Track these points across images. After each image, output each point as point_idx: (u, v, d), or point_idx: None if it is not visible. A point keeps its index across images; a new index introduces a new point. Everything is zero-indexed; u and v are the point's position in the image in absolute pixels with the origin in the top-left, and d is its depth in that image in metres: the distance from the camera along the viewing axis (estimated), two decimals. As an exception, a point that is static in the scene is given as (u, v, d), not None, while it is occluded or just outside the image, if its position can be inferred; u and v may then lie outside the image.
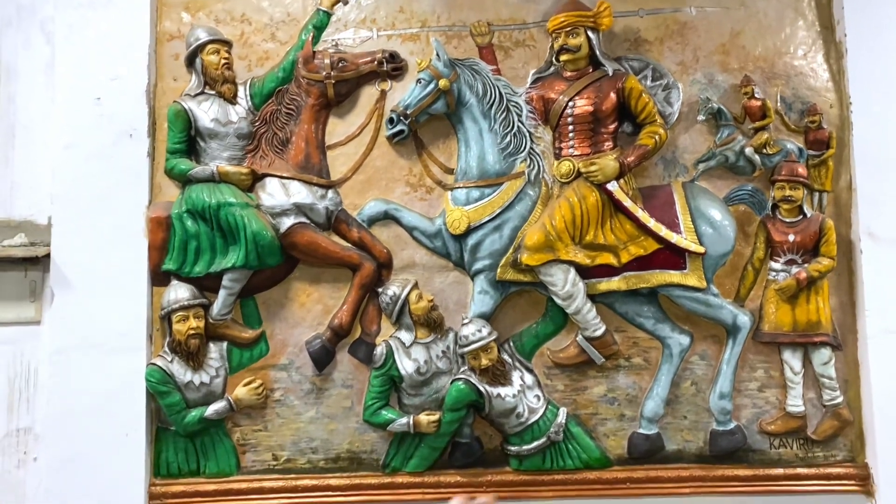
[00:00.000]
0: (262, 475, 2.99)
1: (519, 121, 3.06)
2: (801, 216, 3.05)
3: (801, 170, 3.04)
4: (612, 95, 3.00)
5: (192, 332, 2.89)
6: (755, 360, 3.06)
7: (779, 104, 3.12)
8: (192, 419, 2.91)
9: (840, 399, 3.02)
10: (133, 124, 3.02)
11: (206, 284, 2.98)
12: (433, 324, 2.98)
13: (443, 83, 2.99)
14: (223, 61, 3.03)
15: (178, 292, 2.92)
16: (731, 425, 3.00)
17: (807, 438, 3.03)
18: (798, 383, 3.02)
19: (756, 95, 3.08)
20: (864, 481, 2.99)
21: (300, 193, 3.01)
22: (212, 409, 2.93)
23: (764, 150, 3.07)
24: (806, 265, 3.01)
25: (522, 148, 3.06)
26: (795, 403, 3.02)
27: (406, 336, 2.99)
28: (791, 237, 3.03)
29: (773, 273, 3.05)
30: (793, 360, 3.02)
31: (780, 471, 3.00)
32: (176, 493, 2.95)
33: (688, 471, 3.01)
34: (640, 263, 2.98)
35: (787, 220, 3.05)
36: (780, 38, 3.17)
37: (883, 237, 3.04)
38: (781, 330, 3.02)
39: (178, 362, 2.91)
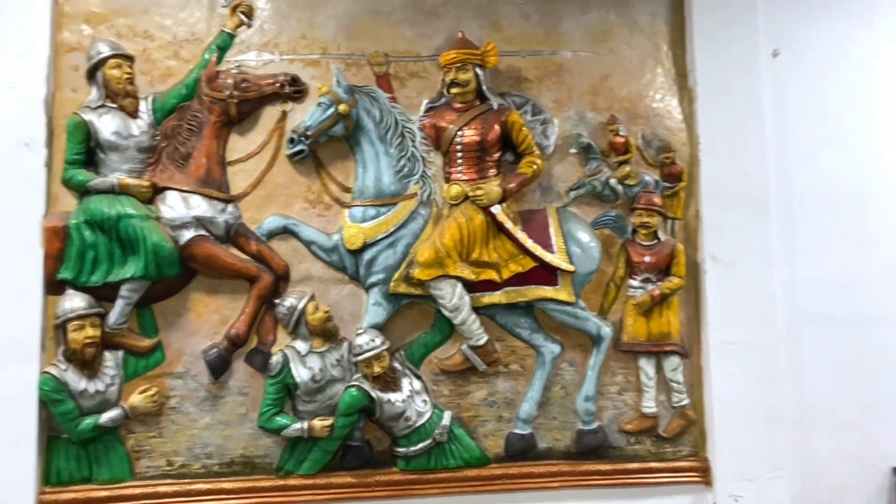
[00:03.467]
0: (157, 480, 3.04)
1: (413, 146, 3.29)
2: (656, 240, 3.42)
3: (657, 200, 3.42)
4: (497, 127, 3.28)
5: (88, 340, 2.92)
6: (616, 366, 3.39)
7: (639, 141, 3.48)
8: (85, 427, 2.94)
9: (686, 401, 3.41)
10: (30, 134, 3.01)
11: (103, 294, 3.01)
12: (328, 334, 3.15)
13: (342, 108, 3.18)
14: (126, 76, 3.08)
15: (74, 301, 2.94)
16: (595, 425, 3.33)
17: (658, 436, 3.38)
18: (651, 387, 3.39)
19: (620, 133, 3.43)
20: (705, 473, 3.37)
21: (200, 207, 3.10)
22: (106, 417, 2.97)
23: (626, 182, 3.43)
24: (659, 283, 3.37)
25: (416, 171, 3.29)
26: (649, 405, 3.38)
27: (302, 346, 3.14)
28: (647, 258, 3.40)
29: (632, 290, 3.41)
30: (647, 366, 3.39)
31: (635, 465, 3.34)
32: (67, 501, 2.95)
33: (556, 466, 3.29)
34: (518, 279, 3.26)
35: (645, 243, 3.43)
36: (642, 83, 3.54)
37: (724, 260, 3.43)
38: (638, 340, 3.38)
39: (72, 370, 2.93)
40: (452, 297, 3.17)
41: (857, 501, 3.49)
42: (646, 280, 3.41)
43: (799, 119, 3.67)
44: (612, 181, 3.43)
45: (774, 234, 3.52)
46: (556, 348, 3.34)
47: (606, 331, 3.35)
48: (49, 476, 2.97)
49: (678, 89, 3.58)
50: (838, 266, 3.61)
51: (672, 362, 3.41)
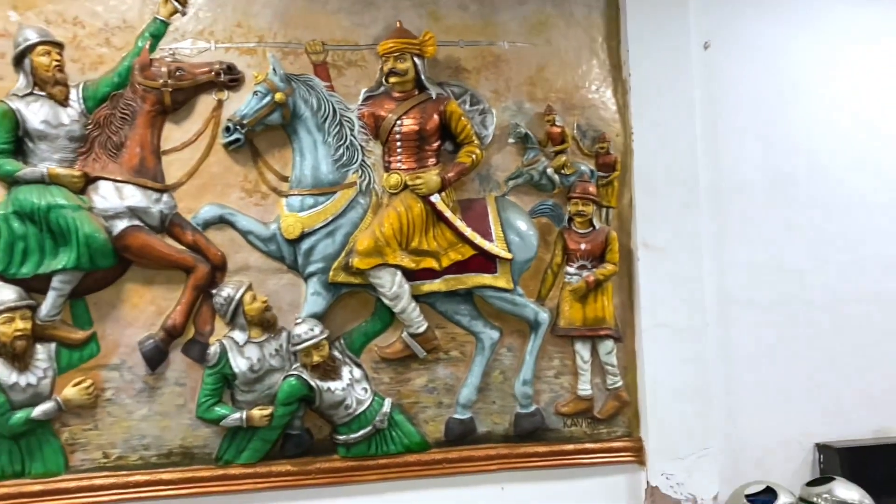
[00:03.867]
0: (93, 473, 3.02)
1: (351, 135, 3.30)
2: (591, 228, 3.51)
3: (592, 189, 3.51)
4: (436, 117, 3.32)
5: (18, 333, 2.87)
6: (552, 350, 3.47)
7: (575, 131, 3.55)
8: (17, 421, 2.90)
9: (620, 383, 3.51)
10: (-46, 122, 2.93)
11: (34, 286, 2.96)
12: (266, 323, 3.16)
13: (279, 96, 3.17)
14: (54, 63, 3.01)
15: (4, 293, 2.89)
16: (532, 408, 3.41)
17: (593, 418, 3.48)
18: (587, 370, 3.48)
19: (557, 123, 3.50)
20: (639, 453, 3.49)
21: (134, 197, 3.07)
22: (39, 410, 2.92)
23: (562, 171, 3.51)
24: (594, 270, 3.47)
25: (354, 160, 3.31)
26: (584, 388, 3.48)
27: (240, 335, 3.13)
28: (583, 246, 3.49)
29: (568, 276, 3.49)
30: (583, 350, 3.48)
31: (571, 446, 3.44)
32: (-1, 496, 2.91)
33: (495, 450, 3.37)
34: (458, 267, 3.32)
35: (580, 231, 3.51)
36: (578, 74, 3.61)
37: (655, 246, 3.53)
38: (574, 325, 3.47)
39: (2, 364, 2.88)
40: (392, 285, 3.21)
41: (782, 476, 3.62)
42: (581, 267, 3.50)
43: (728, 110, 3.80)
44: (549, 170, 3.50)
45: (704, 221, 3.63)
46: (494, 334, 3.40)
47: (544, 316, 3.43)
48: (-21, 471, 2.91)
49: (613, 80, 3.66)
50: (765, 251, 3.76)
51: (606, 346, 3.51)
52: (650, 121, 3.62)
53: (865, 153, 3.93)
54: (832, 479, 3.44)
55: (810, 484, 3.48)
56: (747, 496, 3.36)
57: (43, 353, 2.97)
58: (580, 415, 3.49)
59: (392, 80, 3.31)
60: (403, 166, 3.32)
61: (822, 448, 3.71)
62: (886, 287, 3.90)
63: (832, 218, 3.87)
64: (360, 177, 3.30)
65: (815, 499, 3.39)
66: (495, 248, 3.32)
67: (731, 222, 3.75)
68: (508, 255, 3.33)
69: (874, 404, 3.82)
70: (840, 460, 3.61)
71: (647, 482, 3.47)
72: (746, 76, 3.84)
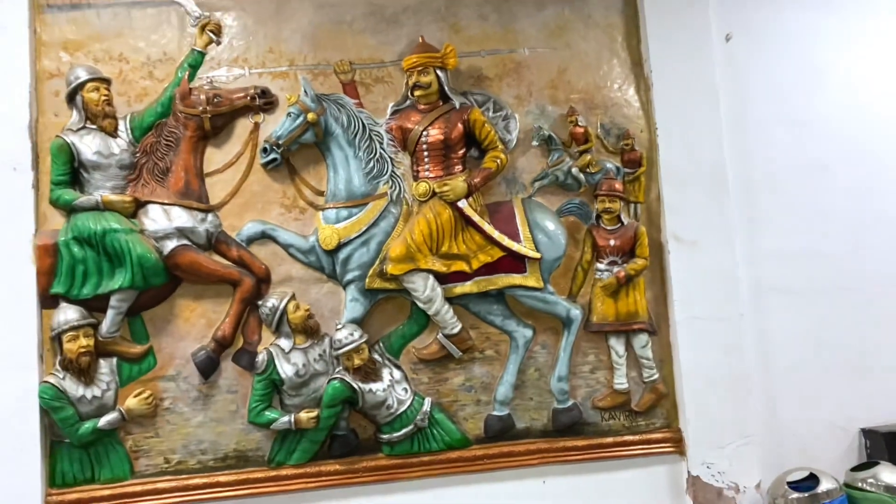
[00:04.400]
0: (156, 478, 3.22)
1: (381, 148, 3.45)
2: (619, 224, 3.58)
3: (618, 185, 3.58)
4: (460, 125, 3.44)
5: (82, 350, 3.09)
6: (587, 346, 3.54)
7: (599, 130, 3.63)
8: (85, 431, 3.12)
9: (657, 376, 3.56)
10: (17, 158, 3.17)
11: (94, 305, 3.18)
12: (310, 331, 3.32)
13: (311, 116, 3.34)
14: (103, 98, 3.25)
15: (68, 314, 3.12)
16: (569, 403, 3.49)
17: (631, 411, 3.53)
18: (622, 364, 3.54)
19: (580, 123, 3.58)
20: (678, 443, 3.52)
21: (181, 218, 3.27)
22: (104, 420, 3.14)
23: (587, 170, 3.58)
24: (625, 265, 3.52)
25: (385, 172, 3.46)
26: (621, 382, 3.53)
27: (285, 343, 3.31)
28: (612, 242, 3.55)
29: (599, 273, 3.56)
30: (617, 345, 3.54)
31: (610, 439, 3.50)
32: (72, 501, 3.12)
33: (535, 444, 3.45)
34: (488, 269, 3.42)
35: (609, 227, 3.58)
36: (599, 75, 3.69)
37: (686, 239, 3.58)
38: (607, 320, 3.53)
39: (70, 379, 3.11)
40: (425, 289, 3.34)
41: (828, 462, 3.60)
42: (612, 263, 3.56)
43: (753, 100, 3.82)
44: (575, 170, 3.58)
45: (734, 212, 3.66)
46: (528, 332, 3.49)
47: (576, 313, 3.50)
48: (54, 478, 3.14)
49: (634, 78, 3.72)
50: (797, 239, 3.77)
51: (641, 340, 3.56)
52: (674, 115, 3.66)
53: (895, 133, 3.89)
54: (877, 463, 3.43)
55: (855, 469, 3.48)
56: (789, 483, 3.37)
57: (106, 367, 3.19)
58: (618, 408, 3.55)
59: (417, 93, 3.45)
60: (431, 175, 3.45)
61: (867, 433, 3.69)
62: (928, 268, 3.85)
63: (867, 202, 3.86)
64: (391, 187, 3.44)
65: (860, 484, 3.38)
66: (523, 248, 3.41)
67: (763, 212, 3.77)
68: (537, 255, 3.42)
69: (921, 387, 3.77)
70: (886, 444, 3.58)
71: (689, 472, 3.50)
72: (771, 65, 3.86)
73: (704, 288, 3.58)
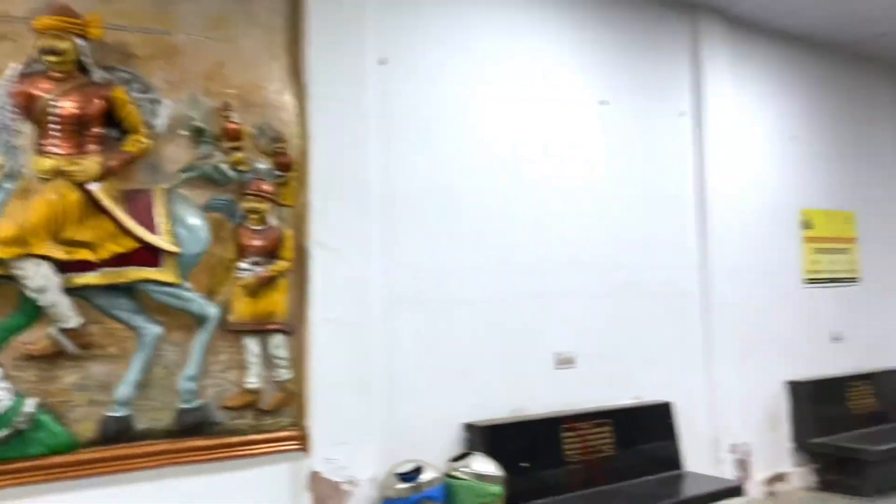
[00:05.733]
0: None
1: (-2, 113, 3.04)
2: (266, 225, 3.61)
3: (267, 186, 3.61)
4: (98, 101, 3.17)
5: None
6: (222, 345, 3.48)
7: (253, 130, 3.62)
8: None
9: (288, 376, 3.64)
10: None
11: None
12: None
13: None
14: None
15: None
16: (196, 403, 3.39)
17: (260, 410, 3.56)
18: (255, 364, 3.55)
19: (234, 119, 3.54)
20: (303, 441, 3.64)
21: None
22: None
23: (238, 168, 3.55)
24: (267, 266, 3.59)
25: (-1, 141, 3.05)
26: (252, 381, 3.54)
27: None
28: (256, 242, 3.56)
29: (241, 272, 3.54)
30: (252, 344, 3.55)
31: (236, 438, 3.48)
32: None
33: (156, 446, 3.29)
34: (119, 260, 3.20)
35: (255, 227, 3.58)
36: (258, 74, 3.67)
37: (329, 246, 3.75)
38: (244, 320, 3.53)
39: None
40: (37, 277, 3.01)
41: (436, 454, 4.03)
42: (255, 263, 3.57)
43: (400, 123, 4.17)
44: (224, 166, 3.52)
45: (374, 225, 3.94)
46: (157, 329, 3.34)
47: (212, 311, 3.44)
48: None
49: (293, 85, 3.78)
50: (428, 254, 4.20)
51: (276, 340, 3.63)
52: (328, 127, 3.81)
53: (510, 168, 4.57)
54: (471, 454, 3.94)
55: (454, 459, 3.95)
56: (398, 474, 3.72)
57: None
58: (247, 408, 3.55)
59: (50, 59, 3.10)
60: (60, 151, 3.13)
61: (468, 427, 4.22)
62: (529, 287, 4.57)
63: (483, 226, 4.43)
64: (6, 159, 3.04)
65: (454, 472, 3.85)
66: (159, 240, 3.27)
67: (400, 227, 4.12)
68: (173, 248, 3.30)
69: (511, 388, 4.44)
70: (482, 437, 4.13)
71: (310, 468, 3.65)
72: (415, 93, 4.24)
73: (342, 294, 3.79)
